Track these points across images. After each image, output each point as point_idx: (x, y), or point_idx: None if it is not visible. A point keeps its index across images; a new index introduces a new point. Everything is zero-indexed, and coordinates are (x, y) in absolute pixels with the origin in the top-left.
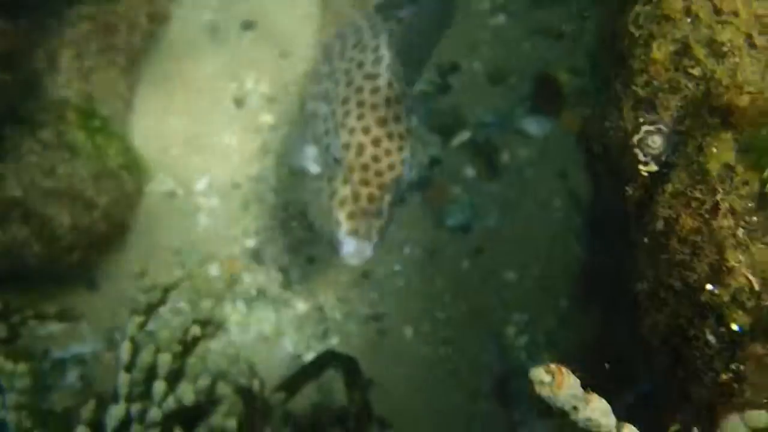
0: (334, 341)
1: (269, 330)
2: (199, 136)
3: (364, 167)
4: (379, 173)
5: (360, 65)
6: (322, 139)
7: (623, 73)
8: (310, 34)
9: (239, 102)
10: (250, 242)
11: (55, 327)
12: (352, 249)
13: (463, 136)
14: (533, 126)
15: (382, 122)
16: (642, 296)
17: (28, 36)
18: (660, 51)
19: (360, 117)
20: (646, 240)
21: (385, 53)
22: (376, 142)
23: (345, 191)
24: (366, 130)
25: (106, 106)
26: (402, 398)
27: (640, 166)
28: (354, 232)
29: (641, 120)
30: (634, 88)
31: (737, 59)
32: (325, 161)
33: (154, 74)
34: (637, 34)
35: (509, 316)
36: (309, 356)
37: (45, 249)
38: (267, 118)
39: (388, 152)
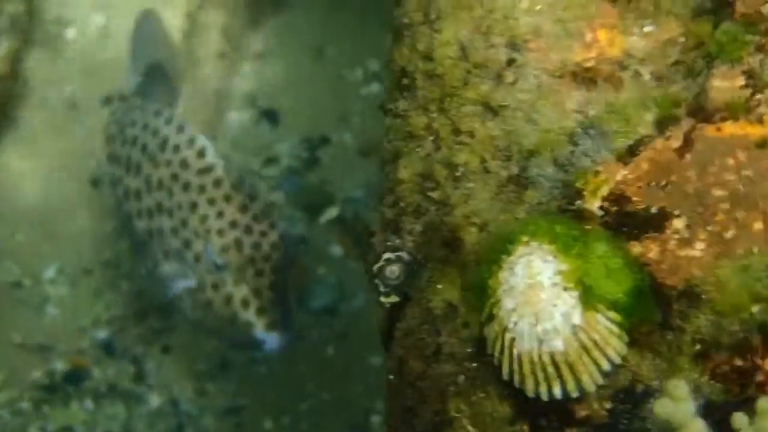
0: None
1: (118, 428)
2: (50, 220)
3: (251, 260)
4: (266, 258)
5: (184, 165)
6: (184, 252)
7: (378, 190)
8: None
9: (96, 182)
10: (102, 333)
11: None
12: (276, 342)
13: (331, 212)
14: None
15: (243, 208)
16: None
17: None
18: (406, 170)
19: (220, 214)
20: (391, 377)
21: (204, 142)
22: (248, 231)
23: (243, 291)
24: (233, 224)
25: None
26: None
27: (381, 298)
28: (271, 325)
29: (388, 243)
30: (382, 208)
31: (472, 184)
32: (197, 271)
33: (5, 154)
34: (388, 148)
35: (374, 404)
36: None
37: None
38: None
39: (263, 234)
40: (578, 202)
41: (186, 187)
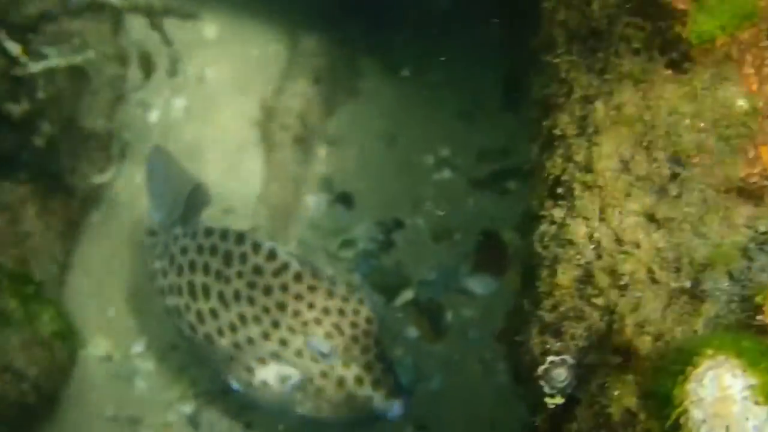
0: None
1: None
2: (138, 297)
3: (355, 339)
4: (366, 333)
5: (258, 271)
6: (281, 352)
7: (531, 292)
8: (253, 191)
9: None
10: (187, 408)
11: None
12: (399, 408)
13: (407, 295)
14: (477, 285)
15: (330, 294)
16: None
17: None
18: (565, 276)
19: (311, 306)
20: None
21: (269, 243)
22: (342, 313)
23: (354, 370)
24: (326, 311)
25: (40, 271)
26: None
27: (546, 399)
28: (390, 394)
29: (548, 347)
30: (540, 312)
31: (639, 293)
32: (300, 366)
33: (95, 233)
34: (543, 254)
35: None
36: None
37: None
38: None
39: (356, 312)
40: (759, 317)
41: (267, 290)
